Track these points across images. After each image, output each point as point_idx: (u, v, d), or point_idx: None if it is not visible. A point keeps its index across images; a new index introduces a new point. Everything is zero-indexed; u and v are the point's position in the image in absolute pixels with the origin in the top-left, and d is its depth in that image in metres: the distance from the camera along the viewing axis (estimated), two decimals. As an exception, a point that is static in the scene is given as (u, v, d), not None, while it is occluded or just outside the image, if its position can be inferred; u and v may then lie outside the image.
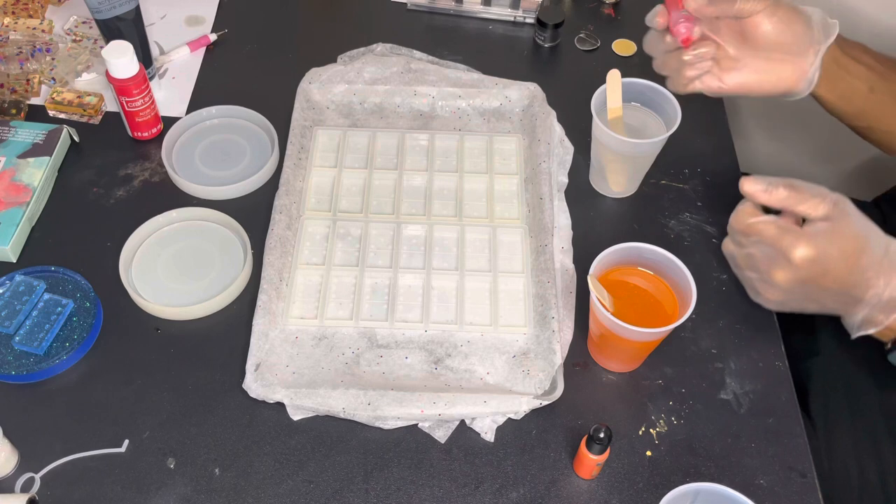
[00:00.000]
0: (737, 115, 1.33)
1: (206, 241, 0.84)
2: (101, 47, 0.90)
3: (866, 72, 0.78)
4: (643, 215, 0.87)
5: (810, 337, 0.89)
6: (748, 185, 0.66)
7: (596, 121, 0.81)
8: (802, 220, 0.67)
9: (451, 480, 0.69)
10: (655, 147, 0.82)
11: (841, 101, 0.79)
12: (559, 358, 0.74)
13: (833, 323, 0.88)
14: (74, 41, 1.00)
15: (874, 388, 0.82)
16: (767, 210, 0.68)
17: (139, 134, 0.91)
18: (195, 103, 0.96)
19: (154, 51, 1.01)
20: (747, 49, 0.75)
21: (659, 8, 0.74)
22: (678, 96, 0.81)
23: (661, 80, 0.83)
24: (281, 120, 0.92)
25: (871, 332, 0.70)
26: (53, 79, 0.96)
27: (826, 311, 0.72)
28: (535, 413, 0.72)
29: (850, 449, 0.81)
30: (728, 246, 0.73)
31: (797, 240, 0.65)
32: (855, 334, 0.72)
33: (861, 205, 1.04)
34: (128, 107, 0.88)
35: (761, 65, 0.75)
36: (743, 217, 0.68)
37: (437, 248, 0.83)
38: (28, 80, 0.95)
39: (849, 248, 0.66)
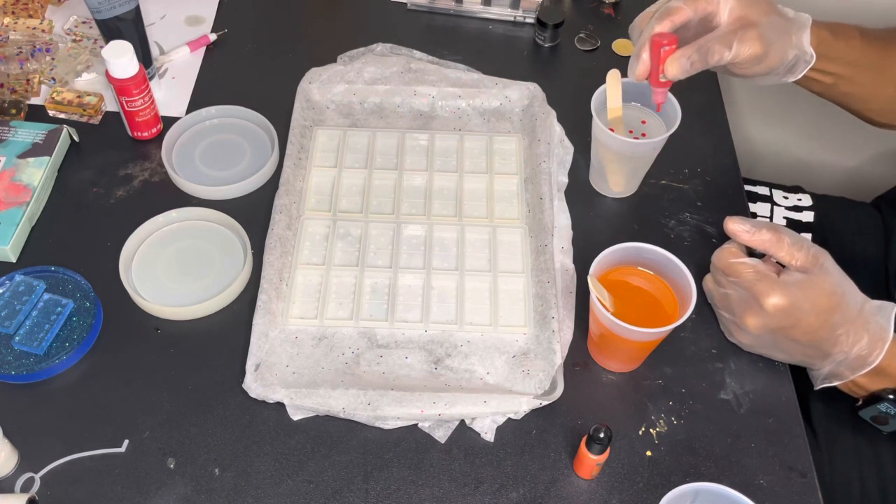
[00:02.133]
0: (737, 115, 1.33)
1: (206, 241, 0.84)
2: (101, 47, 0.90)
3: (831, 65, 0.79)
4: (643, 215, 0.87)
5: None
6: (732, 225, 0.68)
7: (596, 121, 0.81)
8: (783, 269, 0.69)
9: (451, 480, 0.69)
10: (655, 147, 0.82)
11: (799, 82, 0.81)
12: (559, 358, 0.74)
13: None
14: (74, 41, 1.00)
15: (856, 474, 0.82)
16: (752, 254, 0.69)
17: (139, 134, 0.91)
18: (195, 103, 0.96)
19: (154, 51, 1.01)
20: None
21: (637, 59, 0.74)
22: (678, 96, 0.81)
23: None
24: (281, 120, 0.92)
25: (835, 384, 0.72)
26: (53, 79, 0.96)
27: (793, 361, 0.74)
28: (535, 413, 0.72)
29: (852, 461, 0.80)
30: (708, 283, 0.75)
31: (771, 287, 0.66)
32: (818, 385, 0.74)
33: (860, 206, 1.05)
34: (128, 107, 0.88)
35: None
36: (725, 256, 0.69)
37: (437, 248, 0.83)
38: (28, 80, 0.95)
39: (822, 303, 0.67)
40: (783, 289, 0.66)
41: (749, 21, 0.72)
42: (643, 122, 0.84)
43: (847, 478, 0.80)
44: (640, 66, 0.73)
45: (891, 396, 0.70)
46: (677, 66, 0.71)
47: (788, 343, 0.70)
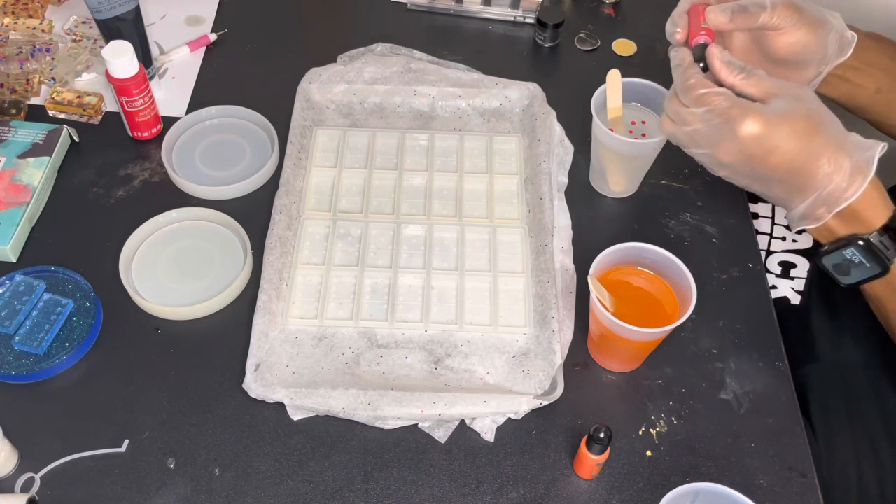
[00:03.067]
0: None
1: (206, 241, 0.84)
2: (101, 47, 0.90)
3: (877, 73, 0.77)
4: (643, 215, 0.87)
5: (808, 344, 0.89)
6: (713, 50, 0.66)
7: (596, 121, 0.81)
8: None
9: (451, 480, 0.69)
10: (655, 147, 0.82)
11: (843, 98, 0.79)
12: (559, 358, 0.74)
13: (830, 332, 0.87)
14: (74, 41, 1.00)
15: (873, 395, 0.82)
16: None
17: (139, 134, 0.91)
18: (195, 103, 0.96)
19: (154, 51, 1.01)
20: (755, 52, 0.75)
21: (677, 21, 0.73)
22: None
23: (660, 79, 0.83)
24: (281, 120, 0.92)
25: (810, 227, 0.68)
26: (53, 79, 0.96)
27: (770, 195, 0.70)
28: (535, 413, 0.72)
29: (849, 455, 0.80)
30: (668, 126, 0.70)
31: (745, 112, 0.63)
32: (795, 227, 0.70)
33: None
34: (128, 107, 0.88)
35: (765, 67, 0.75)
36: (694, 87, 0.66)
37: (437, 248, 0.83)
38: (28, 80, 0.95)
39: (799, 126, 0.63)
40: (758, 113, 0.63)
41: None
42: (643, 122, 0.84)
43: (845, 476, 0.80)
44: (677, 30, 0.71)
45: (860, 242, 0.66)
46: (719, 14, 0.69)
47: (766, 172, 0.66)
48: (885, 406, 0.81)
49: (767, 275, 0.91)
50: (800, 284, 0.92)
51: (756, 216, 0.96)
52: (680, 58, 0.69)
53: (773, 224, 0.95)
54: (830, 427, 0.82)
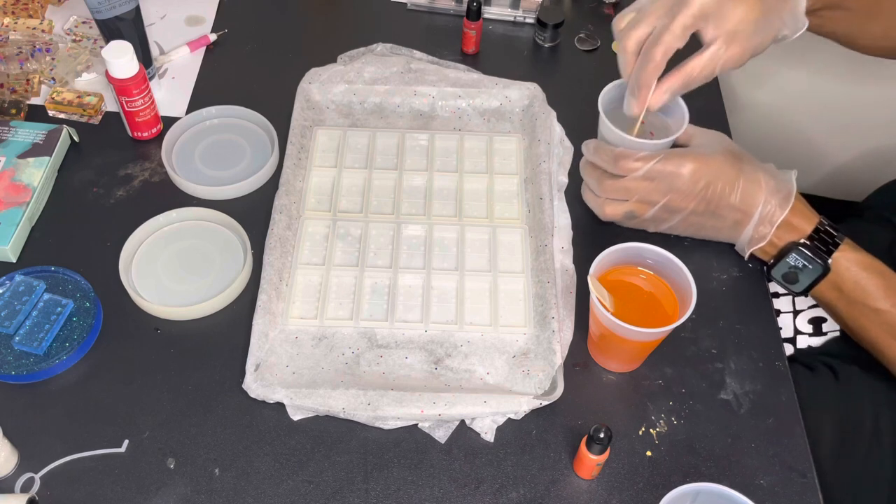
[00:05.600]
0: (737, 114, 1.33)
1: (206, 241, 0.84)
2: (101, 47, 0.90)
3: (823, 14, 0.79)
4: (643, 215, 0.87)
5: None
6: (626, 163, 0.76)
7: (603, 119, 0.79)
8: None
9: (451, 480, 0.69)
10: (662, 149, 0.81)
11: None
12: (559, 358, 0.74)
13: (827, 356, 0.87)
14: (74, 41, 1.00)
15: (870, 398, 0.82)
16: None
17: (139, 134, 0.91)
18: (195, 103, 0.96)
19: (154, 51, 1.01)
20: None
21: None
22: (684, 96, 0.80)
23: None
24: (281, 120, 0.92)
25: (758, 246, 0.78)
26: (53, 79, 0.96)
27: (723, 227, 0.79)
28: (535, 413, 0.72)
29: (848, 455, 0.80)
30: (617, 209, 0.79)
31: (680, 156, 0.75)
32: (747, 250, 0.80)
33: (854, 205, 1.04)
34: (128, 107, 0.88)
35: None
36: (626, 167, 0.76)
37: (437, 248, 0.83)
38: (28, 80, 0.95)
39: (729, 156, 0.76)
40: (687, 153, 0.75)
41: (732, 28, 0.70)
42: (643, 122, 0.84)
43: (844, 475, 0.80)
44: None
45: (799, 247, 0.75)
46: (659, 100, 0.74)
47: (716, 200, 0.76)
48: (882, 413, 0.81)
49: (799, 336, 0.88)
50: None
51: (777, 295, 0.90)
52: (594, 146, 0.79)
53: (793, 298, 0.90)
54: (826, 428, 0.81)
